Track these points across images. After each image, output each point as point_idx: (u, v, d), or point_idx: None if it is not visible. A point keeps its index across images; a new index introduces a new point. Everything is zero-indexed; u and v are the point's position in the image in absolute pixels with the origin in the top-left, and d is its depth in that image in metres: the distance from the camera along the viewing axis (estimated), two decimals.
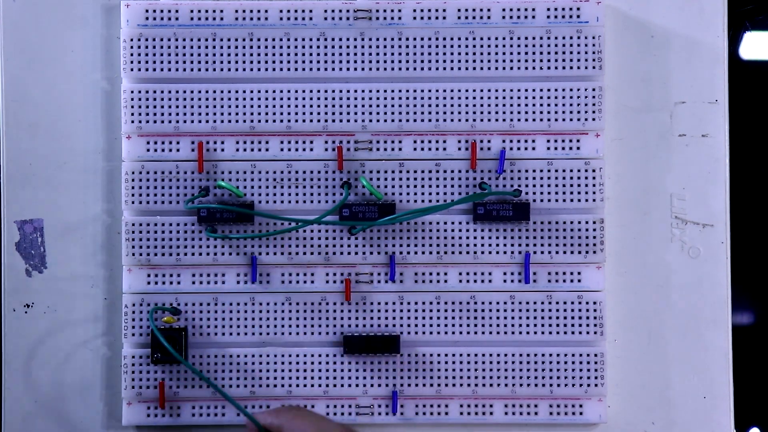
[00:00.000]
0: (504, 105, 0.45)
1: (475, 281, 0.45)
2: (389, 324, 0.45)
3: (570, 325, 0.45)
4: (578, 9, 0.45)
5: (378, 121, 0.45)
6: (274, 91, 0.45)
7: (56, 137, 0.46)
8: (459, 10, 0.45)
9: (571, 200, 0.45)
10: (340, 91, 0.45)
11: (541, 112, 0.45)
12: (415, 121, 0.45)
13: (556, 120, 0.45)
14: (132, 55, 0.45)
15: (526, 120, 0.45)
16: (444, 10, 0.45)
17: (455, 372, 0.45)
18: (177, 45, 0.45)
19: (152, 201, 0.45)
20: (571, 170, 0.45)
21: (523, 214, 0.45)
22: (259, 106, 0.45)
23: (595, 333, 0.45)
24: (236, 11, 0.45)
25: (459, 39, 0.45)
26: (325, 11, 0.45)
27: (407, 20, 0.45)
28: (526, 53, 0.45)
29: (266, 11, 0.45)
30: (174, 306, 0.45)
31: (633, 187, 0.46)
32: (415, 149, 0.45)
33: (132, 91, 0.45)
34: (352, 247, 0.45)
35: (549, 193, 0.45)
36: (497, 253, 0.45)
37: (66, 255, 0.46)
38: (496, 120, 0.45)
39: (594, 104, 0.45)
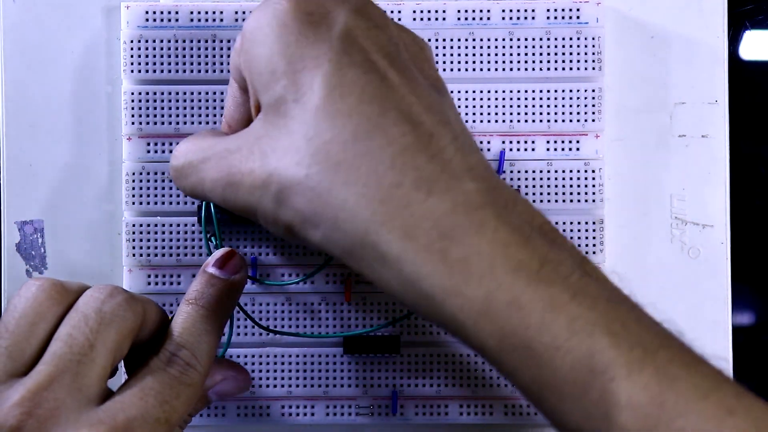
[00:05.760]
0: (504, 106, 0.45)
1: None
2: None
3: None
4: (578, 10, 0.45)
5: None
6: None
7: (56, 137, 0.46)
8: (459, 11, 0.45)
9: (571, 201, 0.45)
10: None
11: (541, 113, 0.45)
12: None
13: (556, 121, 0.45)
14: (132, 56, 0.45)
15: (526, 121, 0.45)
16: (444, 11, 0.45)
17: (455, 372, 0.45)
18: (177, 46, 0.45)
19: (152, 202, 0.45)
20: (571, 171, 0.45)
21: None
22: None
23: None
24: (236, 12, 0.45)
25: (459, 40, 0.45)
26: None
27: (407, 21, 0.45)
28: (526, 54, 0.45)
29: None
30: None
31: (633, 188, 0.46)
32: None
33: (132, 93, 0.45)
34: None
35: (549, 193, 0.45)
36: None
37: (66, 256, 0.46)
38: (496, 121, 0.45)
39: (594, 105, 0.45)
